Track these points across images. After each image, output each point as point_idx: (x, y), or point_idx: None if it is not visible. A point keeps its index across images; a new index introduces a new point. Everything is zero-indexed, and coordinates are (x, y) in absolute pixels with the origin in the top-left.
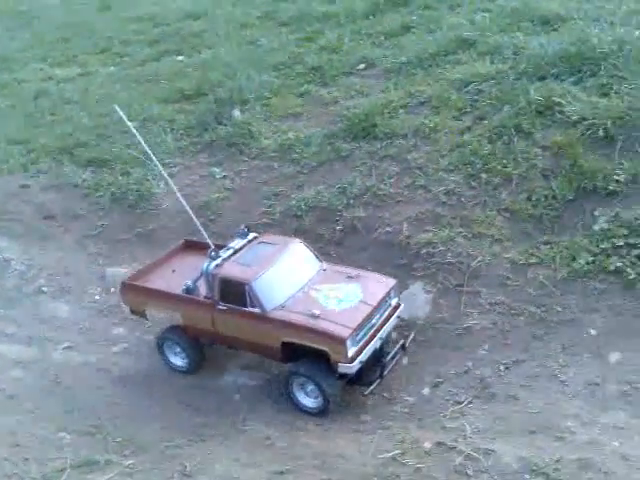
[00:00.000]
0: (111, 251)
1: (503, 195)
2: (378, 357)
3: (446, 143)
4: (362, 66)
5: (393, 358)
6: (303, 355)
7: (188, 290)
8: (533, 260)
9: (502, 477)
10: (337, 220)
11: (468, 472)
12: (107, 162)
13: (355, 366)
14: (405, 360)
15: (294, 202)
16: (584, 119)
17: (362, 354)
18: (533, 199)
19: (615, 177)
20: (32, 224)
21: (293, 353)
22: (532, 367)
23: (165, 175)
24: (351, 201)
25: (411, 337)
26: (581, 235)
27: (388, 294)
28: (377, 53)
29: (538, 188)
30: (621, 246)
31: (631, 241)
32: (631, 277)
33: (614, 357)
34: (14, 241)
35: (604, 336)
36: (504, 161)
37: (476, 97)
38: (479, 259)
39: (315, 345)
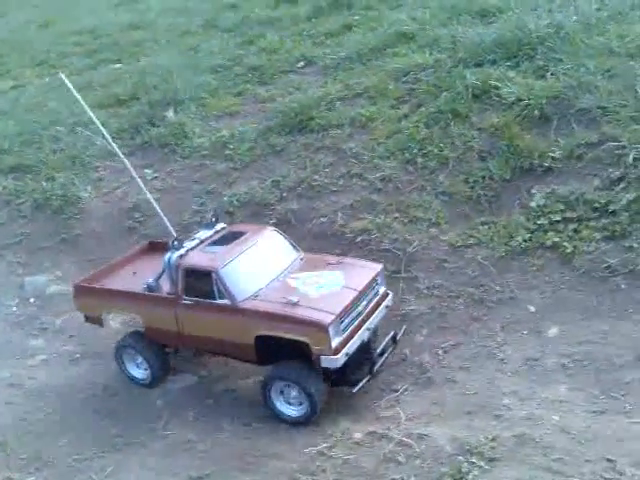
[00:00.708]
0: (32, 259)
1: (440, 178)
2: (366, 352)
3: (383, 131)
4: (301, 64)
5: (383, 353)
6: (281, 355)
7: (149, 288)
8: (471, 241)
9: (435, 461)
10: (270, 214)
11: (399, 459)
12: (31, 168)
13: (340, 359)
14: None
15: (226, 199)
16: (520, 100)
17: (348, 345)
18: (470, 181)
19: (551, 154)
20: None
21: (269, 353)
22: (471, 349)
23: (129, 166)
24: (284, 194)
25: (403, 329)
26: (518, 213)
27: (374, 280)
28: (317, 52)
29: (475, 170)
30: (558, 221)
31: (568, 215)
32: (568, 251)
33: (553, 332)
34: None
35: (543, 312)
36: (441, 145)
37: (414, 86)
38: (416, 244)
39: (293, 336)
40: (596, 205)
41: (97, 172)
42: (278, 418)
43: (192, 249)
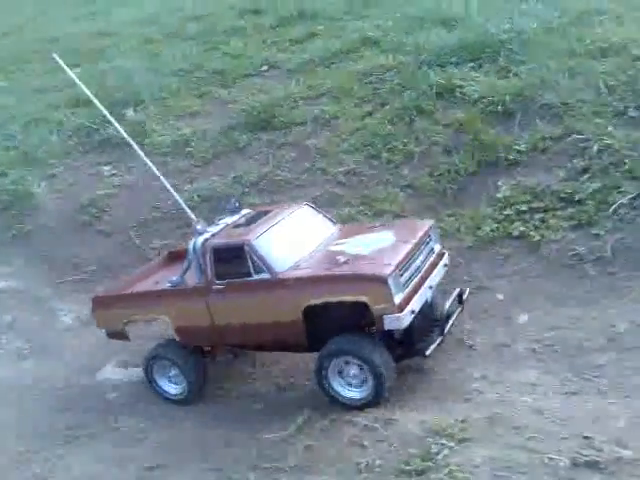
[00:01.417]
0: None
1: (405, 172)
2: (428, 317)
3: (346, 128)
4: (265, 68)
5: (449, 317)
6: (334, 332)
7: (175, 285)
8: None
9: (403, 443)
10: None
11: (364, 443)
12: None
13: (406, 317)
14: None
15: (186, 194)
16: (484, 97)
17: (412, 302)
18: (435, 174)
19: (516, 148)
20: None
21: (320, 332)
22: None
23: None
24: (246, 189)
25: (468, 291)
26: (485, 205)
27: (427, 234)
28: (281, 56)
29: (440, 164)
30: (524, 211)
31: (534, 205)
32: (535, 239)
33: (522, 318)
34: None
35: (512, 300)
36: (405, 140)
37: (378, 86)
38: None
39: (348, 298)
40: (562, 195)
41: (51, 169)
42: (338, 404)
43: (218, 233)
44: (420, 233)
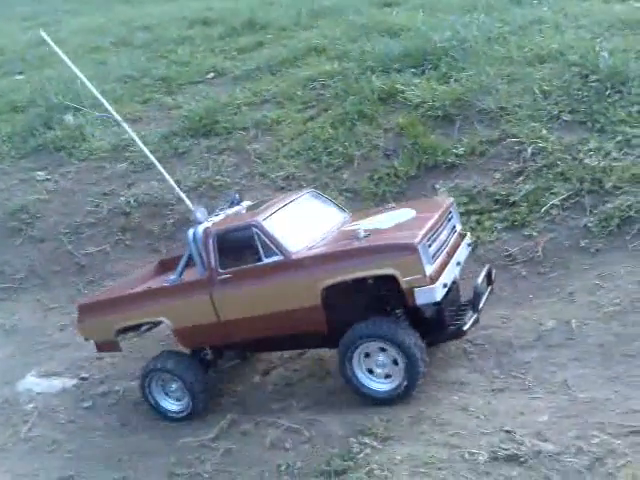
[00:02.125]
0: None
1: (345, 176)
2: (455, 300)
3: (288, 132)
4: (211, 75)
5: (479, 295)
6: (356, 318)
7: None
8: None
9: (325, 444)
10: (169, 214)
11: (286, 445)
12: None
13: (438, 289)
14: None
15: (123, 199)
16: (424, 102)
17: (443, 275)
18: (375, 178)
19: (454, 151)
20: None
21: (342, 318)
22: None
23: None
24: (185, 194)
25: (494, 271)
26: None
27: (448, 210)
28: (228, 64)
29: (380, 167)
30: (461, 213)
31: (470, 207)
32: (471, 241)
33: None
34: None
35: None
36: (346, 144)
37: (322, 92)
38: None
39: (373, 271)
40: (497, 197)
41: None
42: (364, 397)
43: (220, 220)
44: (441, 208)
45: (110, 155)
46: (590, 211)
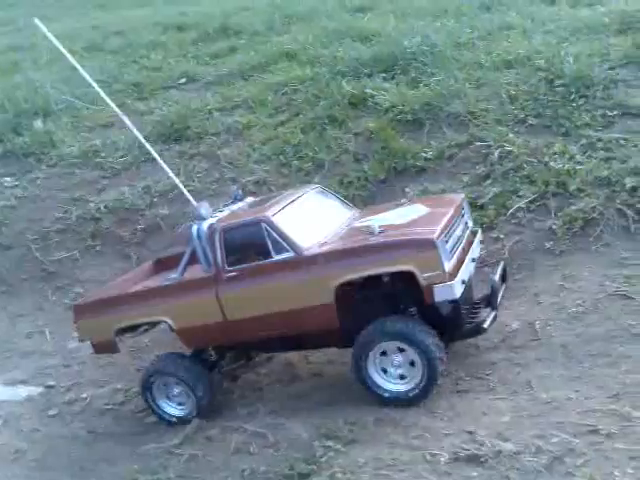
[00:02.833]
0: None
1: (315, 180)
2: (469, 298)
3: (259, 137)
4: (183, 80)
5: (496, 291)
6: (369, 318)
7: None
8: None
9: (290, 448)
10: (139, 220)
11: (251, 450)
12: None
13: (458, 286)
14: None
15: (92, 205)
16: (394, 106)
17: (461, 272)
18: (345, 182)
19: (424, 155)
20: None
21: (355, 317)
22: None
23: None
24: (155, 200)
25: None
26: None
27: (461, 206)
28: (200, 70)
29: (350, 171)
30: None
31: None
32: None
33: None
34: None
35: None
36: (316, 149)
37: (293, 97)
38: None
39: (390, 268)
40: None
41: None
42: (380, 399)
43: (225, 217)
44: (455, 204)
45: (80, 161)
46: (555, 213)
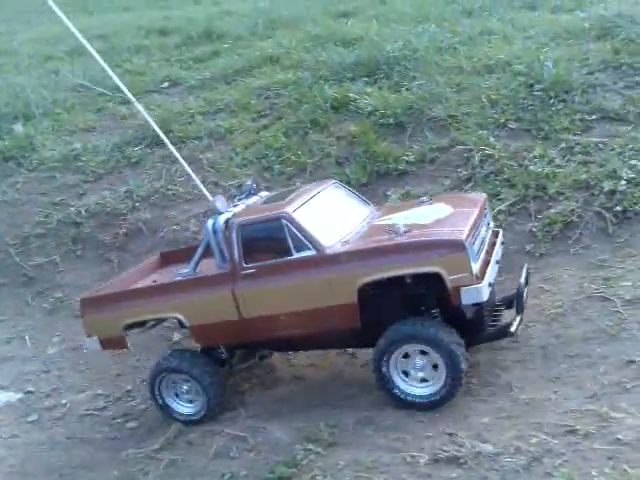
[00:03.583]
0: None
1: (297, 184)
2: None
3: (241, 141)
4: (166, 84)
5: (522, 295)
6: (391, 320)
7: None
8: None
9: (271, 452)
10: (121, 224)
11: (231, 454)
12: None
13: (485, 288)
14: None
15: (73, 210)
16: (377, 110)
17: (487, 275)
18: None
19: (405, 159)
20: None
21: (377, 318)
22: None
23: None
24: (137, 204)
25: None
26: None
27: (484, 206)
28: (183, 74)
29: (333, 175)
30: None
31: None
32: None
33: None
34: None
35: None
36: (299, 152)
37: (276, 101)
38: None
39: (417, 269)
40: None
41: None
42: (400, 403)
43: (241, 211)
44: (479, 204)
45: (61, 165)
46: (535, 216)
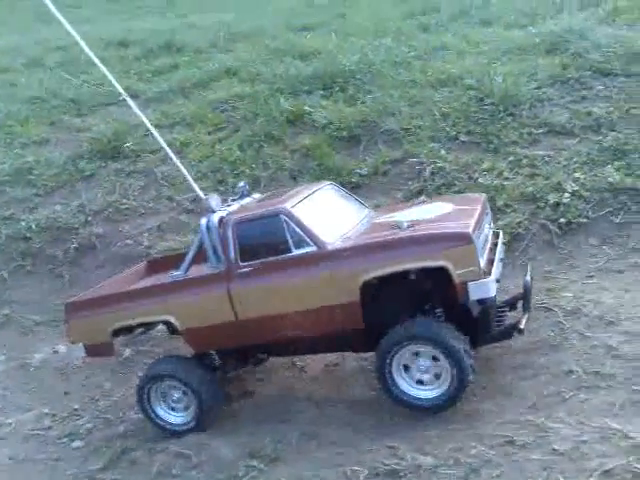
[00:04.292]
0: None
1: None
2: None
3: (196, 155)
4: (123, 97)
5: (529, 292)
6: (394, 320)
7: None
8: None
9: (214, 469)
10: (74, 238)
11: (174, 472)
12: None
13: (492, 283)
14: None
15: (24, 224)
16: (331, 123)
17: (493, 271)
18: None
19: (359, 171)
20: None
21: (380, 317)
22: (271, 362)
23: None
24: (89, 218)
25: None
26: None
27: (485, 205)
28: (141, 86)
29: (287, 188)
30: None
31: None
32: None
33: None
34: None
35: None
36: (253, 165)
37: (232, 114)
38: None
39: (423, 263)
40: None
41: None
42: (404, 406)
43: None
44: (481, 202)
45: (11, 179)
46: None
